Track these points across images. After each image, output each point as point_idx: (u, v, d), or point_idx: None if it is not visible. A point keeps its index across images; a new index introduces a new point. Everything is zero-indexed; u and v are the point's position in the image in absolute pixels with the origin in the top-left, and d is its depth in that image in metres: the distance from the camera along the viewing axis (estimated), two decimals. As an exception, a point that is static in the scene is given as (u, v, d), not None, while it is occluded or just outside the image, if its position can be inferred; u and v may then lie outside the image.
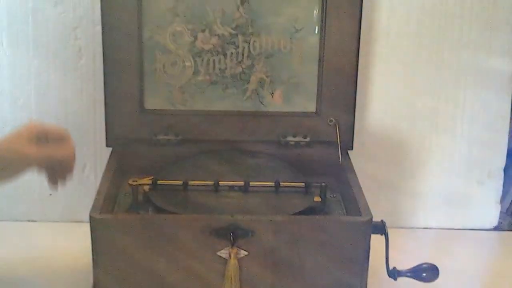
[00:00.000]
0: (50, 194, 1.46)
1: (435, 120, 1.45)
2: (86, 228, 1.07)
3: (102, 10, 1.26)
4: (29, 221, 1.48)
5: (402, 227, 1.49)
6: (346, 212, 1.20)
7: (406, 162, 1.47)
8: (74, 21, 1.38)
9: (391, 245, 1.10)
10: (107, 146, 1.32)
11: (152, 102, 1.33)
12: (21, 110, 1.43)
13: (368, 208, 1.10)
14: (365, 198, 1.13)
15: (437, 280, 1.12)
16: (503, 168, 1.48)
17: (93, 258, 1.08)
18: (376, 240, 1.10)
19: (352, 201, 1.16)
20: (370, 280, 1.10)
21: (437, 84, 1.43)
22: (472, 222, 1.50)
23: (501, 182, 1.49)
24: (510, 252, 1.44)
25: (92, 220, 1.06)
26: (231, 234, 1.06)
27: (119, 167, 1.26)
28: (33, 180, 1.39)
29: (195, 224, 1.06)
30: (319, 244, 1.07)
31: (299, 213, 1.14)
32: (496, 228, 1.51)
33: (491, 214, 1.51)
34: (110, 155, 1.28)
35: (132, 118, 1.31)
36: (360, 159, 1.38)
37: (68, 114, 1.43)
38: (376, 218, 1.09)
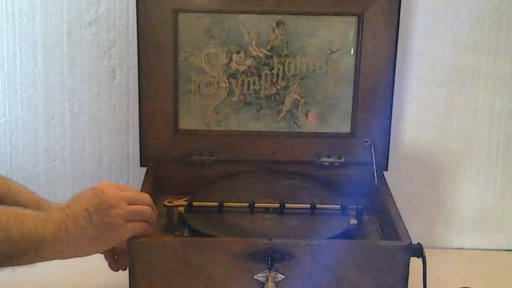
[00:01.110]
0: None
1: (471, 140, 1.43)
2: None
3: (138, 30, 1.27)
4: None
5: (436, 248, 1.47)
6: (383, 235, 1.19)
7: (441, 182, 1.46)
8: (108, 42, 1.39)
9: (427, 266, 1.09)
10: (141, 166, 1.33)
11: (187, 122, 1.33)
12: (54, 129, 1.44)
13: (407, 232, 1.09)
14: (403, 222, 1.12)
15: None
16: (538, 188, 1.47)
17: (130, 281, 1.08)
18: (412, 263, 1.08)
19: (389, 224, 1.15)
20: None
21: (472, 103, 1.42)
22: (507, 243, 1.49)
23: (537, 202, 1.47)
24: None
25: (129, 242, 1.06)
26: (269, 257, 1.05)
27: (154, 188, 1.26)
28: (66, 199, 1.43)
29: (232, 247, 1.05)
30: (357, 268, 1.06)
31: (336, 236, 1.13)
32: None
33: (527, 235, 1.49)
34: (145, 176, 1.28)
35: (167, 138, 1.32)
36: (395, 180, 1.37)
37: (102, 134, 1.44)
38: (412, 239, 1.08)
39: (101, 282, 1.33)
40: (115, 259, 1.18)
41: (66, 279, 1.33)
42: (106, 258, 1.19)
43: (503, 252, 1.48)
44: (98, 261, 1.37)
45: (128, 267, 1.08)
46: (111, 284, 1.33)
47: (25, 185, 1.21)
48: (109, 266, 1.18)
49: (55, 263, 1.31)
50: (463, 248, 1.49)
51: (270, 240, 1.06)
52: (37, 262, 1.04)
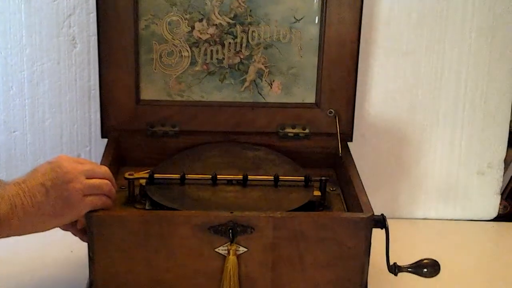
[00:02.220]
0: None
1: (436, 111, 1.43)
2: (81, 224, 1.06)
3: (97, -2, 1.24)
4: None
5: (401, 218, 1.48)
6: (346, 206, 1.18)
7: (406, 152, 1.46)
8: (68, 9, 1.35)
9: (391, 236, 1.08)
10: (102, 137, 1.30)
11: (148, 92, 1.30)
12: (13, 99, 1.40)
13: (369, 204, 1.09)
14: (366, 194, 1.12)
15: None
16: (503, 158, 1.47)
17: (89, 255, 1.06)
18: (376, 234, 1.08)
19: (352, 196, 1.14)
20: (370, 275, 1.09)
21: (438, 74, 1.41)
22: (472, 213, 1.49)
23: (501, 173, 1.48)
24: (510, 243, 1.43)
25: (88, 216, 1.04)
26: (230, 230, 1.04)
27: (115, 160, 1.24)
28: (27, 170, 1.40)
29: (193, 220, 1.04)
30: (319, 240, 1.05)
31: (299, 208, 1.12)
32: (495, 219, 1.50)
33: (491, 205, 1.49)
34: (106, 147, 1.26)
35: (128, 109, 1.29)
36: (360, 151, 1.38)
37: (62, 104, 1.41)
38: (376, 209, 1.08)
39: (62, 255, 1.32)
40: (83, 231, 1.15)
41: (26, 253, 1.32)
42: (74, 234, 1.16)
43: (468, 222, 1.49)
44: (58, 234, 1.36)
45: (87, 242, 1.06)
46: (72, 256, 1.32)
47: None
48: (82, 240, 1.15)
49: (13, 239, 1.31)
50: (428, 219, 1.49)
51: (232, 212, 1.05)
52: None
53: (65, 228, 1.13)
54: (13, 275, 1.26)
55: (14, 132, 1.42)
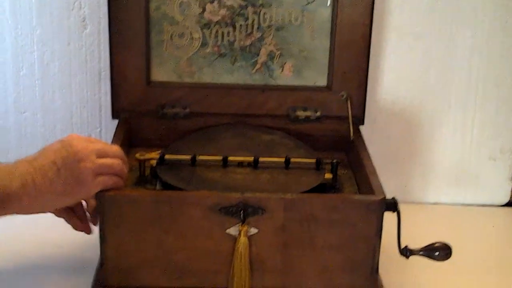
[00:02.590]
0: None
1: (448, 95, 1.42)
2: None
3: (108, -21, 1.23)
4: None
5: (412, 203, 1.47)
6: (358, 189, 1.18)
7: (418, 137, 1.45)
8: (78, -10, 1.35)
9: (402, 221, 1.08)
10: (112, 118, 1.30)
11: (159, 74, 1.30)
12: (24, 81, 1.40)
13: (381, 187, 1.08)
14: (378, 176, 1.11)
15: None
16: (515, 144, 1.46)
17: (100, 235, 1.06)
18: (387, 218, 1.07)
19: (364, 179, 1.13)
20: (381, 259, 1.09)
21: (451, 59, 1.40)
22: (483, 198, 1.49)
23: (513, 158, 1.47)
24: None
25: (99, 195, 1.04)
26: (241, 211, 1.03)
27: (126, 141, 1.24)
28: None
29: (204, 201, 1.03)
30: (330, 222, 1.05)
31: (310, 190, 1.12)
32: (507, 204, 1.49)
33: (503, 190, 1.48)
34: (116, 128, 1.25)
35: (139, 90, 1.29)
36: (371, 135, 1.37)
37: (72, 85, 1.41)
38: (387, 194, 1.07)
39: (72, 237, 1.31)
40: (77, 218, 1.15)
41: (37, 234, 1.32)
42: (67, 220, 1.15)
43: (479, 208, 1.48)
44: None
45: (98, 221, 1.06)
46: (82, 237, 1.31)
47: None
48: (75, 228, 1.14)
49: (24, 218, 1.31)
50: (439, 204, 1.49)
51: (243, 193, 1.04)
52: (1, 216, 1.01)
53: (58, 214, 1.12)
54: (24, 255, 1.26)
55: (24, 113, 1.42)
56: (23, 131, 1.43)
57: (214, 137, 1.27)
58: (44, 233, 1.32)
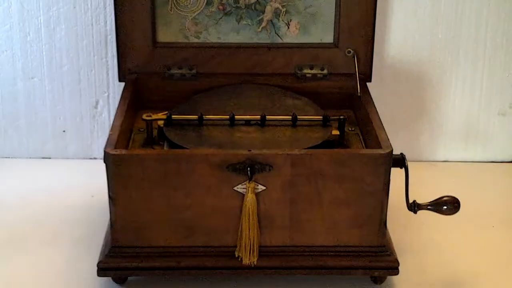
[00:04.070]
0: (64, 131, 1.45)
1: (456, 50, 1.41)
2: (101, 166, 1.06)
3: None
4: (43, 158, 1.47)
5: (421, 161, 1.47)
6: (365, 145, 1.17)
7: (426, 94, 1.44)
8: (82, -49, 1.34)
9: (411, 179, 1.08)
10: (119, 81, 1.30)
11: (165, 35, 1.29)
12: (31, 46, 1.40)
13: (388, 140, 1.07)
14: (385, 131, 1.10)
15: (457, 213, 1.10)
16: (525, 99, 1.45)
17: (109, 195, 1.06)
18: (395, 174, 1.07)
19: (371, 134, 1.13)
20: (389, 214, 1.09)
21: (458, 12, 1.38)
22: (493, 154, 1.48)
23: (523, 113, 1.46)
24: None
25: (107, 155, 1.04)
26: (248, 168, 1.03)
27: (133, 102, 1.24)
28: (46, 116, 1.42)
29: (212, 159, 1.03)
30: (337, 177, 1.05)
31: (317, 146, 1.11)
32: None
33: (512, 146, 1.48)
34: (123, 90, 1.25)
35: (145, 51, 1.28)
36: (379, 92, 1.36)
37: (79, 49, 1.41)
38: (395, 151, 1.06)
39: (83, 199, 1.33)
40: None
41: (48, 198, 1.34)
42: None
43: (489, 164, 1.48)
44: (79, 179, 1.38)
45: (106, 182, 1.06)
46: (93, 201, 1.33)
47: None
48: None
49: (37, 185, 1.31)
50: (448, 161, 1.48)
51: (250, 150, 1.04)
52: None
53: None
54: (35, 219, 1.28)
55: (32, 78, 1.42)
56: (31, 97, 1.43)
57: (219, 97, 1.26)
58: (55, 198, 1.33)
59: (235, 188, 1.05)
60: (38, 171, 1.43)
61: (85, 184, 1.37)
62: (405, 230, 1.24)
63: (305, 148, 1.09)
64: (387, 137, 1.09)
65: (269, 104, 1.24)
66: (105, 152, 1.04)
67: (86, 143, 1.47)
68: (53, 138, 1.46)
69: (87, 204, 1.32)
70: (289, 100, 1.25)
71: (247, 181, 1.04)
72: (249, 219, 1.06)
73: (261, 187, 1.05)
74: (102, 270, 1.08)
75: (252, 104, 1.23)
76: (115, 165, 1.04)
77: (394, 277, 1.12)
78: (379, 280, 1.12)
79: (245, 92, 1.27)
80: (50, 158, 1.47)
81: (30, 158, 1.47)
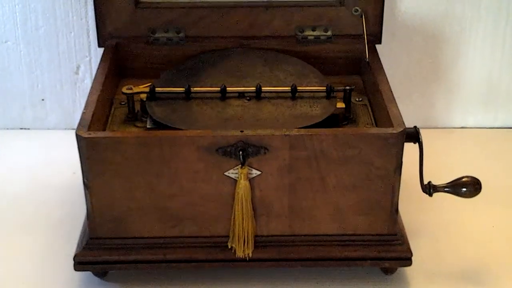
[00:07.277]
0: (43, 99, 1.38)
1: (477, 4, 1.33)
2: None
3: None
4: (21, 129, 1.41)
5: (437, 128, 1.42)
6: (374, 120, 1.08)
7: (442, 53, 1.36)
8: None
9: (425, 149, 1.00)
10: (99, 46, 1.22)
11: (148, -7, 1.20)
12: (2, 6, 1.31)
13: (401, 116, 0.99)
14: (396, 104, 1.02)
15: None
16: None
17: (84, 182, 0.96)
18: (408, 148, 0.99)
19: (381, 107, 1.04)
20: (401, 198, 1.00)
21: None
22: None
23: (547, 74, 1.39)
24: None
25: (79, 139, 0.94)
26: (241, 152, 0.94)
27: (113, 71, 1.15)
28: (23, 84, 1.37)
29: (198, 141, 0.94)
30: (343, 160, 0.96)
31: (320, 123, 1.02)
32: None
33: (536, 110, 1.43)
34: (101, 57, 1.16)
35: (127, 13, 1.19)
36: (389, 53, 1.30)
37: (56, 9, 1.32)
38: (408, 118, 0.99)
39: (64, 177, 1.27)
40: None
41: (28, 173, 1.29)
42: None
43: (510, 131, 1.42)
44: (60, 152, 1.33)
45: (80, 167, 0.96)
46: (75, 178, 1.26)
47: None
48: None
49: (13, 159, 1.28)
50: (466, 127, 1.43)
51: (242, 131, 0.95)
52: None
53: None
54: (8, 199, 1.21)
55: (6, 42, 1.35)
56: (6, 62, 1.36)
57: (209, 65, 1.16)
58: (35, 174, 1.28)
59: (226, 173, 0.96)
60: (14, 143, 1.37)
61: (67, 159, 1.30)
62: (418, 211, 1.17)
63: (305, 127, 0.99)
64: (399, 112, 0.99)
65: (266, 72, 1.14)
66: (76, 135, 0.94)
67: (67, 112, 1.40)
68: (31, 107, 1.39)
69: (68, 182, 1.25)
70: (289, 67, 1.15)
71: (240, 166, 0.95)
72: (242, 207, 0.97)
73: (255, 172, 0.96)
74: (79, 264, 1.00)
75: (246, 72, 1.14)
76: (89, 149, 0.94)
77: (407, 267, 1.05)
78: (389, 271, 1.05)
79: (238, 58, 1.17)
80: (28, 129, 1.41)
81: (6, 129, 1.41)
